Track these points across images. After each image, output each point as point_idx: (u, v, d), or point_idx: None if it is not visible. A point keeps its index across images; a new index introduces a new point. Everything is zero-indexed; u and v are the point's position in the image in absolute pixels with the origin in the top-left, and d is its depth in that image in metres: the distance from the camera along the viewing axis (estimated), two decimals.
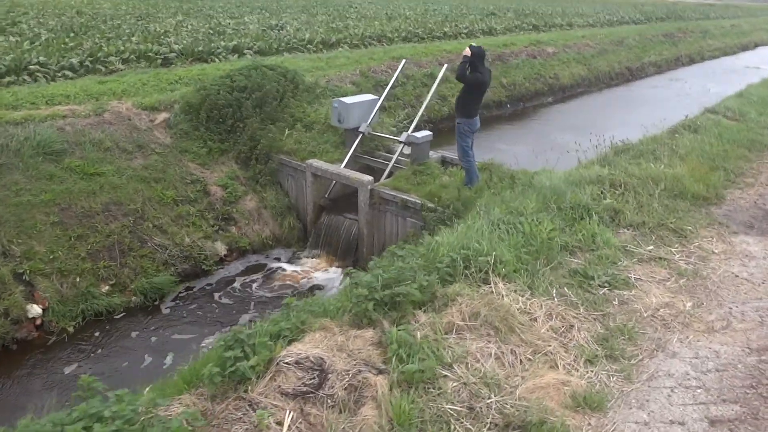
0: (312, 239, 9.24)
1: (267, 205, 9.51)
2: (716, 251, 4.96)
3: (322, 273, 8.65)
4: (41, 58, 11.89)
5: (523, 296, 3.71)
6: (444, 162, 9.16)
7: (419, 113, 9.08)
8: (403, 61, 10.22)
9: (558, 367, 3.12)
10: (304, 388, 2.65)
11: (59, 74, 11.70)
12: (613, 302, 3.95)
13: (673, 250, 4.88)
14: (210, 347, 3.69)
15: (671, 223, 5.33)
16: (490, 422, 2.73)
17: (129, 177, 8.53)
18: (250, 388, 2.73)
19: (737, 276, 4.55)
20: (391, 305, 3.29)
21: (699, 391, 3.14)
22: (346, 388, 2.67)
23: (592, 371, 3.17)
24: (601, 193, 5.79)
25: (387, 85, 10.15)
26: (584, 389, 2.97)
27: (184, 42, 15.31)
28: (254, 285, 8.25)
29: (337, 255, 8.91)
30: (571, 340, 3.40)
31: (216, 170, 9.58)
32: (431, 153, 9.08)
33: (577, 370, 3.13)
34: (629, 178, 6.13)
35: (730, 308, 4.04)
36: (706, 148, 7.64)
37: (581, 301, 3.85)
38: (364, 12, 28.98)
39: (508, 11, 35.19)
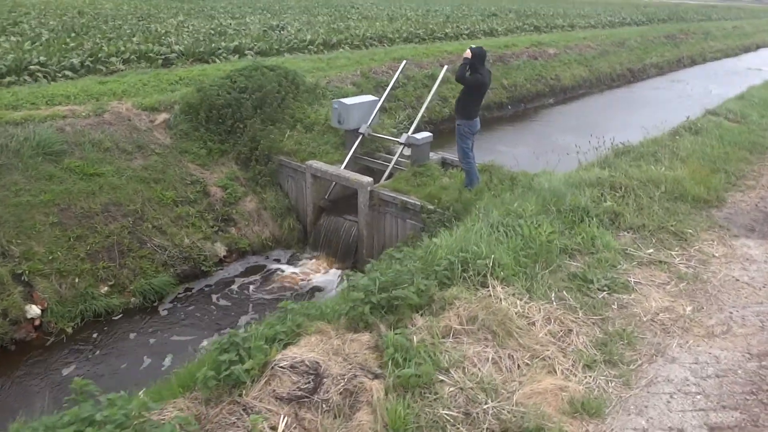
0: (312, 240, 9.22)
1: (267, 206, 9.50)
2: (717, 255, 4.93)
3: (322, 275, 8.63)
4: (42, 58, 11.89)
5: (521, 300, 3.68)
6: (444, 163, 9.14)
7: (419, 114, 9.06)
8: (404, 62, 10.20)
9: (556, 372, 3.09)
10: (299, 393, 2.63)
11: (60, 74, 11.70)
12: (613, 306, 3.92)
13: (673, 253, 4.84)
14: (207, 349, 3.67)
15: (671, 226, 5.29)
16: (487, 428, 2.70)
17: (128, 177, 8.52)
18: (244, 392, 2.71)
19: (738, 280, 4.51)
20: (388, 308, 3.27)
21: (698, 397, 3.11)
22: (341, 393, 2.64)
23: (590, 376, 3.14)
24: (601, 195, 5.76)
25: (388, 86, 10.13)
26: (582, 395, 2.94)
27: (185, 42, 15.31)
28: (253, 286, 8.23)
29: (336, 256, 8.89)
30: (569, 344, 3.37)
31: (216, 171, 9.57)
32: (431, 154, 9.06)
33: (576, 376, 3.10)
34: (629, 180, 6.10)
35: (731, 313, 4.01)
36: (707, 151, 7.61)
37: (580, 305, 3.82)
38: (365, 13, 28.97)
39: (509, 12, 35.18)
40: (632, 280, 4.31)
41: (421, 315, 3.38)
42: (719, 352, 3.51)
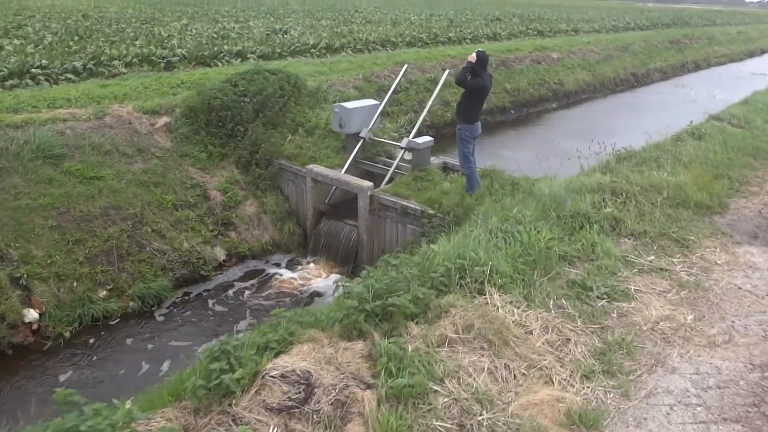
0: (312, 245, 9.18)
1: (267, 210, 9.47)
2: (719, 262, 4.85)
3: (322, 279, 8.58)
4: (44, 62, 11.92)
5: (518, 308, 3.62)
6: (445, 168, 9.09)
7: (420, 118, 9.02)
8: (405, 66, 10.17)
9: (553, 382, 3.02)
10: (290, 403, 2.58)
11: (62, 77, 11.73)
12: (612, 315, 3.85)
13: (674, 260, 4.77)
14: (199, 357, 3.62)
15: (673, 232, 5.22)
16: None
17: (128, 181, 8.50)
18: (234, 402, 2.65)
19: (740, 288, 4.44)
20: (383, 316, 3.21)
21: (699, 409, 3.04)
22: (332, 404, 2.59)
23: (588, 387, 3.07)
24: (602, 201, 5.69)
25: (389, 90, 10.09)
26: (579, 406, 2.87)
27: (188, 46, 15.34)
28: (252, 291, 8.19)
29: (336, 261, 8.84)
30: (567, 354, 3.30)
31: (216, 175, 9.55)
32: (432, 159, 9.01)
33: (573, 386, 3.04)
34: (631, 186, 6.03)
35: (733, 322, 3.93)
36: (710, 156, 7.54)
37: (579, 314, 3.76)
38: (369, 17, 29.03)
39: (513, 17, 35.19)
40: (632, 287, 4.24)
41: (417, 323, 3.33)
42: (721, 363, 3.43)
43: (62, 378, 6.32)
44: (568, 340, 3.42)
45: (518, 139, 15.86)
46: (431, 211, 7.44)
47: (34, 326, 6.85)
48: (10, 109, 8.94)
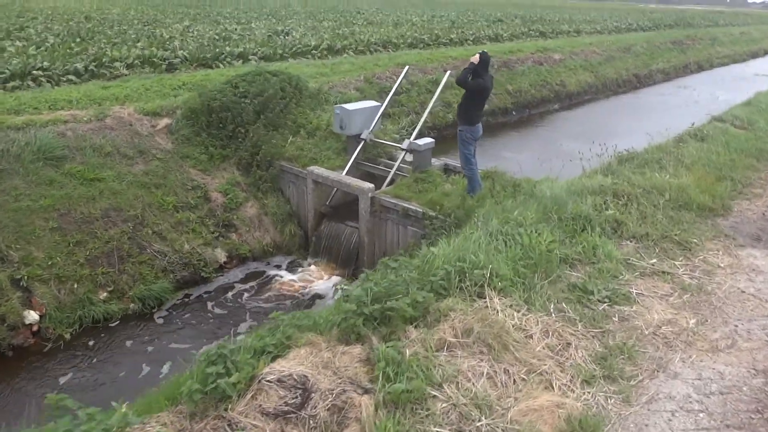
0: (312, 247, 9.15)
1: (268, 212, 9.45)
2: (722, 265, 4.81)
3: (323, 281, 8.56)
4: (45, 63, 11.93)
5: (518, 312, 3.58)
6: (446, 170, 9.06)
7: (421, 120, 9.00)
8: (406, 67, 10.16)
9: (553, 387, 2.98)
10: (286, 408, 2.55)
11: (63, 79, 11.74)
12: (613, 319, 3.81)
13: (676, 263, 4.73)
14: (196, 360, 3.59)
15: (675, 235, 5.18)
16: None
17: (129, 183, 8.50)
18: (230, 406, 2.63)
19: (743, 291, 4.39)
20: (381, 320, 3.18)
21: (701, 415, 3.00)
22: (329, 409, 2.56)
23: (588, 393, 3.03)
24: (604, 203, 5.65)
25: (391, 91, 10.07)
26: (580, 412, 2.83)
27: (190, 48, 15.35)
28: (253, 293, 8.17)
29: (337, 263, 8.82)
30: (567, 358, 3.26)
31: (217, 176, 9.54)
32: (434, 160, 8.99)
33: (573, 392, 3.00)
34: (633, 188, 5.99)
35: (736, 326, 3.89)
36: (713, 158, 7.49)
37: (579, 318, 3.72)
38: (371, 18, 29.03)
39: (515, 18, 35.16)
40: (634, 291, 4.19)
41: (415, 327, 3.29)
42: (723, 368, 3.39)
43: (62, 380, 6.31)
44: (569, 344, 3.39)
45: (520, 140, 15.82)
46: (432, 213, 7.41)
47: (35, 328, 6.85)
48: (11, 111, 8.94)
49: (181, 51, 14.76)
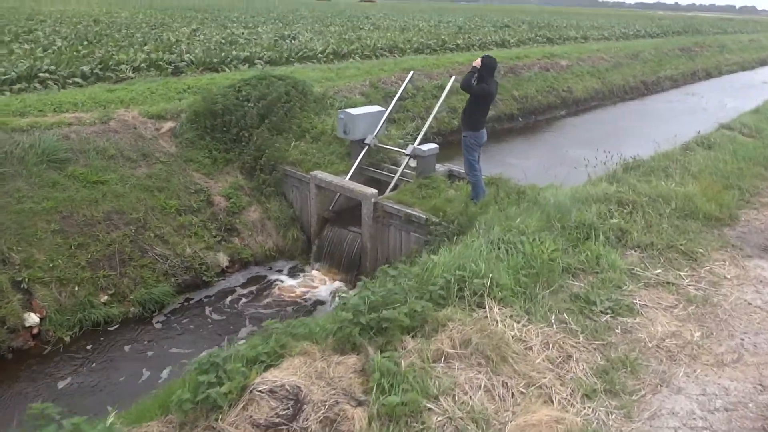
0: (315, 252, 9.11)
1: (271, 216, 9.42)
2: (728, 276, 4.71)
3: (325, 287, 8.51)
4: (52, 66, 11.99)
5: (519, 322, 3.51)
6: (451, 175, 9.00)
7: (426, 125, 8.94)
8: (411, 72, 10.11)
9: (552, 402, 2.91)
10: (277, 420, 2.49)
11: (70, 82, 11.80)
12: (616, 330, 3.72)
13: (682, 274, 4.63)
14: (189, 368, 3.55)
15: (681, 244, 5.08)
16: None
17: (132, 186, 8.49)
18: (221, 417, 2.57)
19: (750, 304, 4.29)
20: (378, 330, 3.12)
21: None
22: (321, 421, 2.50)
23: (589, 407, 2.94)
24: (609, 211, 5.57)
25: (395, 96, 10.03)
26: (580, 428, 2.75)
27: (196, 51, 15.40)
28: (255, 298, 8.13)
29: (340, 268, 8.76)
30: (568, 371, 3.18)
31: (220, 180, 9.53)
32: (438, 166, 8.93)
33: (573, 406, 2.92)
34: (638, 196, 5.90)
35: (742, 339, 3.79)
36: (720, 166, 7.38)
37: (581, 329, 3.63)
38: (378, 23, 29.09)
39: (522, 24, 35.13)
40: (638, 302, 4.11)
41: (413, 337, 3.23)
42: (729, 383, 3.30)
43: (61, 385, 6.28)
44: (570, 356, 3.31)
45: (526, 146, 15.75)
46: (435, 219, 7.34)
47: (35, 330, 6.83)
48: (16, 113, 8.98)
49: (188, 55, 14.81)
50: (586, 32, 33.68)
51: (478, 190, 7.58)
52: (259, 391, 2.59)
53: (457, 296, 3.70)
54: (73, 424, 2.22)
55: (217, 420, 2.56)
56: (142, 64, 13.49)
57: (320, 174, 8.82)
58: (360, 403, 2.63)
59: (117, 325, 7.23)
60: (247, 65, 15.29)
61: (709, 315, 4.08)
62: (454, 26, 30.13)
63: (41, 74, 11.58)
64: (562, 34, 30.99)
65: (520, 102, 17.87)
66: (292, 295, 8.28)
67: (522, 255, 4.32)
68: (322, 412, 2.52)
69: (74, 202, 7.85)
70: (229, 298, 8.07)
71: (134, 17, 23.68)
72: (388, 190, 8.47)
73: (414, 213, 7.67)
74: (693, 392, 3.20)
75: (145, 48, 15.33)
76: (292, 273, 8.89)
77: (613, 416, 2.94)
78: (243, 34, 20.42)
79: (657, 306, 4.10)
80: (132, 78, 12.60)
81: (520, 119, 17.77)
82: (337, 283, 8.57)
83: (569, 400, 2.96)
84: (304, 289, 8.43)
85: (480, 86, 7.00)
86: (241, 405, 2.57)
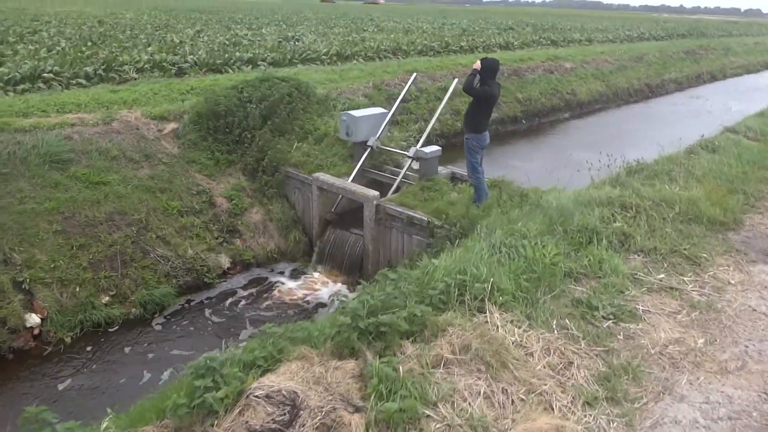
0: (317, 254, 9.08)
1: (273, 218, 9.40)
2: (732, 281, 4.65)
3: (327, 289, 8.48)
4: (56, 67, 12.02)
5: (519, 328, 3.47)
6: (453, 178, 8.96)
7: (428, 128, 8.91)
8: (414, 74, 10.08)
9: (553, 409, 2.87)
10: (273, 426, 2.46)
11: (73, 82, 11.82)
12: (618, 336, 3.68)
13: (685, 279, 4.58)
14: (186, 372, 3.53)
15: (685, 249, 5.03)
16: None
17: (134, 187, 8.49)
18: (216, 422, 2.55)
19: (755, 310, 4.24)
20: (377, 334, 3.09)
21: None
22: (317, 428, 2.47)
23: (590, 415, 2.90)
24: (612, 215, 5.52)
25: (398, 98, 10.01)
26: None
27: (200, 53, 15.42)
28: (256, 300, 8.10)
29: (342, 271, 8.74)
30: (569, 378, 3.14)
31: (223, 181, 9.52)
32: (441, 168, 8.89)
33: (574, 414, 2.88)
34: (641, 200, 5.85)
35: (746, 346, 3.74)
36: (725, 170, 7.32)
37: (583, 335, 3.59)
38: (382, 25, 29.10)
39: (526, 26, 35.08)
40: (640, 307, 4.06)
41: (412, 342, 3.19)
42: (733, 391, 3.25)
43: (61, 386, 6.27)
44: (571, 363, 3.26)
45: (529, 149, 15.70)
46: (437, 222, 7.31)
47: (36, 331, 6.82)
48: (19, 113, 8.99)
49: (191, 56, 14.83)
50: (591, 35, 33.62)
51: (480, 193, 7.54)
52: (256, 397, 2.56)
53: (457, 301, 3.66)
54: (67, 429, 2.19)
55: (212, 425, 2.53)
56: (146, 65, 13.52)
57: (322, 176, 8.80)
58: (357, 410, 2.59)
59: (118, 327, 7.22)
60: (250, 66, 15.30)
61: (712, 321, 4.03)
62: (458, 28, 30.11)
63: (45, 75, 11.61)
64: (566, 37, 30.95)
65: (523, 104, 17.83)
66: (294, 297, 8.25)
67: (524, 259, 4.28)
68: (318, 418, 2.49)
69: (76, 203, 7.85)
70: (231, 300, 8.05)
71: (139, 18, 23.76)
72: (390, 192, 8.44)
73: (416, 215, 7.64)
74: (696, 400, 3.15)
75: (149, 49, 15.37)
76: (294, 275, 8.87)
77: (615, 424, 2.89)
78: (247, 35, 20.45)
79: (660, 312, 4.05)
80: (135, 79, 12.62)
81: (524, 122, 17.73)
82: (339, 286, 8.54)
83: (570, 408, 2.92)
84: (305, 292, 8.40)
85: (482, 88, 6.96)
86: (237, 410, 2.55)
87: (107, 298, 7.42)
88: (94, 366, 6.60)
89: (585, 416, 2.88)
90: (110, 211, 8.05)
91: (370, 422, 2.54)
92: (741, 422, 3.01)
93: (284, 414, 2.50)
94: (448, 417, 2.70)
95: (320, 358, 2.95)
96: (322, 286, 8.59)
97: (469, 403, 2.80)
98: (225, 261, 8.65)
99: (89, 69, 12.41)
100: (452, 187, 8.36)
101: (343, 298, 3.58)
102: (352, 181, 8.70)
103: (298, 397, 2.58)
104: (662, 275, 4.59)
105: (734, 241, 5.50)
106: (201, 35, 19.33)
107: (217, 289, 8.28)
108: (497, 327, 3.38)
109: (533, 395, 2.93)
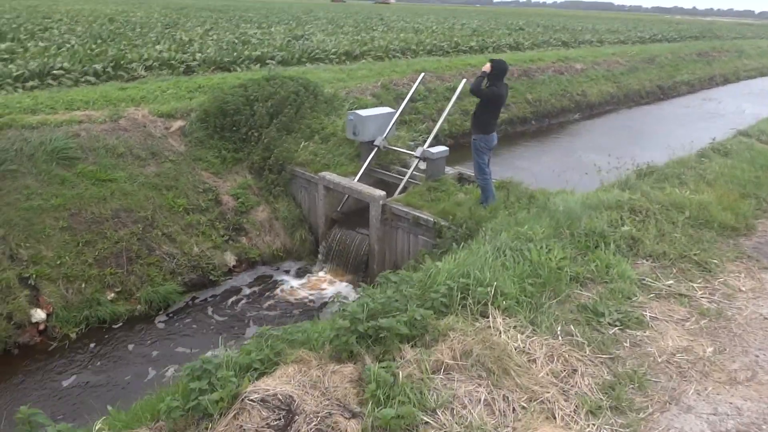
0: (322, 253, 9.05)
1: (279, 217, 9.39)
2: (743, 288, 4.55)
3: (332, 289, 8.44)
4: (65, 64, 12.07)
5: (523, 333, 3.39)
6: (461, 179, 8.89)
7: (435, 128, 8.85)
8: (422, 74, 10.02)
9: (555, 418, 2.79)
10: (268, 430, 2.42)
11: (82, 80, 11.86)
12: (624, 344, 3.59)
13: (695, 285, 4.48)
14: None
15: (695, 255, 4.93)
16: None
17: (141, 184, 8.51)
18: (211, 425, 2.50)
19: (766, 318, 4.13)
20: (376, 338, 3.03)
21: None
22: None
23: (593, 425, 2.82)
24: (620, 219, 5.42)
25: (406, 98, 9.95)
26: None
27: (209, 51, 15.44)
28: (261, 299, 8.09)
29: (347, 270, 8.70)
30: (572, 386, 3.07)
31: (229, 179, 9.51)
32: (448, 169, 8.83)
33: (577, 423, 2.80)
34: (651, 203, 5.74)
35: (757, 356, 3.64)
36: (737, 174, 7.18)
37: (588, 342, 3.51)
38: (392, 25, 29.03)
39: (537, 27, 34.87)
40: (648, 314, 3.96)
41: (412, 346, 3.13)
42: (742, 402, 3.15)
43: (65, 382, 6.28)
44: (575, 370, 3.19)
45: (538, 150, 15.58)
46: (444, 223, 7.25)
47: (41, 326, 6.86)
48: (27, 110, 9.03)
49: (200, 54, 14.85)
50: (602, 36, 33.35)
51: (487, 194, 7.47)
52: (251, 400, 2.51)
53: (459, 305, 3.59)
54: (58, 430, 2.16)
55: (207, 429, 2.49)
56: (155, 63, 13.55)
57: (329, 175, 8.77)
58: (354, 415, 2.54)
59: (123, 323, 7.24)
60: (258, 65, 15.30)
61: (722, 329, 3.93)
62: (468, 28, 29.98)
63: (54, 72, 11.66)
64: (577, 38, 30.71)
65: (533, 105, 17.71)
66: (299, 296, 8.23)
67: (529, 263, 4.20)
68: (314, 423, 2.44)
69: (83, 200, 7.88)
70: (236, 298, 8.04)
71: (149, 16, 23.86)
72: (397, 192, 8.39)
73: (422, 216, 7.58)
74: (703, 411, 3.06)
75: (158, 47, 15.41)
76: (300, 274, 8.85)
77: None
78: (256, 34, 20.47)
79: (668, 319, 3.96)
80: (144, 77, 12.65)
81: (533, 122, 17.60)
82: (344, 285, 8.51)
83: (573, 417, 2.84)
84: (310, 291, 8.38)
85: (490, 89, 6.90)
86: (232, 414, 2.50)
87: (112, 295, 7.44)
88: (99, 362, 6.61)
89: (588, 426, 2.81)
90: (116, 208, 8.06)
91: (366, 428, 2.49)
92: None
93: (279, 419, 2.46)
94: (446, 424, 2.64)
95: (318, 362, 2.90)
96: (328, 285, 8.56)
97: (469, 411, 2.74)
98: (230, 259, 8.64)
99: (98, 66, 12.46)
100: (459, 188, 8.30)
101: (344, 300, 3.52)
102: (358, 180, 8.66)
103: (294, 401, 2.53)
104: (671, 281, 4.50)
105: (746, 246, 5.38)
106: (210, 33, 19.36)
107: (223, 286, 8.28)
108: (500, 332, 3.31)
109: (535, 403, 2.86)
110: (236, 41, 18.03)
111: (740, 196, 6.44)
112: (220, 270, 8.40)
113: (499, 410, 2.78)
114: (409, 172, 8.57)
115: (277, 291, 8.31)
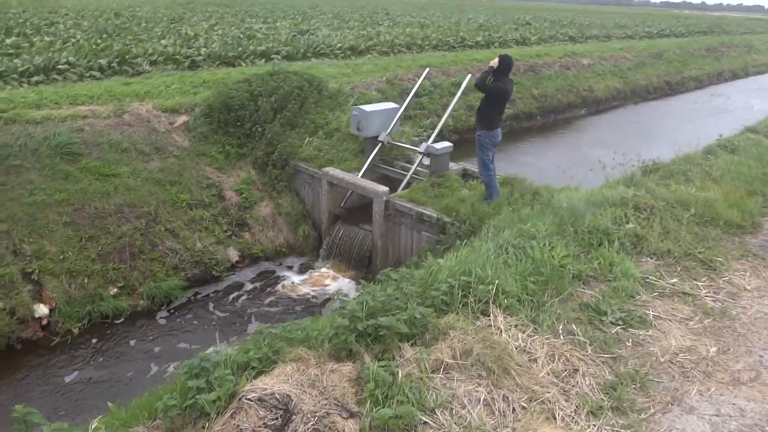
0: (325, 249, 9.04)
1: (282, 212, 9.37)
2: (749, 287, 4.49)
3: (335, 284, 8.43)
4: (70, 59, 12.08)
5: (524, 332, 3.36)
6: (465, 174, 8.84)
7: (440, 123, 8.80)
8: (427, 69, 9.96)
9: (555, 418, 2.76)
10: (264, 430, 2.40)
11: (87, 75, 11.87)
12: (627, 343, 3.55)
13: (699, 284, 4.43)
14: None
15: (699, 253, 4.87)
16: None
17: (144, 179, 8.51)
18: (208, 424, 2.49)
19: None
20: (375, 337, 3.01)
21: None
22: None
23: (594, 426, 2.79)
24: (624, 216, 5.36)
25: (410, 93, 9.90)
26: None
27: (214, 46, 15.41)
28: (264, 294, 8.09)
29: (350, 266, 8.69)
30: (573, 386, 3.03)
31: (233, 175, 9.50)
32: (452, 165, 8.78)
33: (578, 424, 2.77)
34: (656, 200, 5.68)
35: (761, 356, 3.59)
36: (744, 171, 7.08)
37: (590, 341, 3.47)
38: (397, 20, 28.89)
39: (544, 21, 34.62)
40: (651, 313, 3.92)
41: (411, 345, 3.10)
42: (745, 403, 3.11)
43: (68, 378, 6.30)
44: (576, 370, 3.15)
45: (543, 146, 15.48)
46: (447, 219, 7.21)
47: (44, 321, 6.88)
48: (32, 105, 9.04)
49: (205, 49, 14.82)
50: (610, 31, 33.08)
51: (491, 190, 7.43)
52: (248, 399, 2.50)
53: (460, 303, 3.56)
54: (53, 429, 2.15)
55: (204, 428, 2.48)
56: (160, 58, 13.55)
57: (332, 170, 8.74)
58: (352, 415, 2.52)
59: (126, 318, 7.25)
60: (263, 60, 15.26)
61: (726, 329, 3.88)
62: (474, 23, 29.81)
63: (59, 67, 11.68)
64: (584, 33, 30.46)
65: (539, 100, 17.58)
66: (302, 291, 8.23)
67: (531, 260, 4.16)
68: (311, 423, 2.42)
69: (86, 195, 7.89)
70: (238, 294, 8.04)
71: (155, 11, 23.85)
72: (401, 188, 8.36)
73: (426, 212, 7.55)
74: (706, 412, 3.02)
75: (163, 42, 15.39)
76: (303, 269, 8.84)
77: None
78: (261, 29, 20.42)
79: (671, 318, 3.91)
80: (149, 71, 12.65)
81: (539, 118, 17.49)
82: (347, 281, 8.49)
83: (573, 417, 2.81)
84: (313, 287, 8.37)
85: (494, 84, 6.83)
86: (229, 413, 2.49)
87: (115, 290, 7.46)
88: (101, 358, 6.63)
89: (589, 426, 2.78)
90: (120, 203, 8.07)
91: (364, 428, 2.47)
92: None
93: (276, 418, 2.44)
94: (445, 424, 2.61)
95: (317, 360, 2.88)
96: (331, 281, 8.55)
97: (469, 411, 2.71)
98: (233, 254, 8.64)
99: (103, 61, 12.46)
100: (463, 184, 8.25)
101: (344, 298, 3.50)
102: (362, 176, 8.63)
103: (292, 401, 2.51)
104: (675, 279, 4.44)
105: (752, 245, 5.32)
106: (216, 28, 19.33)
107: (226, 282, 8.28)
108: (501, 331, 3.28)
109: (535, 403, 2.83)
110: (241, 36, 17.99)
111: (747, 193, 6.36)
112: (222, 265, 8.40)
113: (499, 410, 2.75)
114: (413, 167, 8.53)
115: (280, 287, 8.30)
